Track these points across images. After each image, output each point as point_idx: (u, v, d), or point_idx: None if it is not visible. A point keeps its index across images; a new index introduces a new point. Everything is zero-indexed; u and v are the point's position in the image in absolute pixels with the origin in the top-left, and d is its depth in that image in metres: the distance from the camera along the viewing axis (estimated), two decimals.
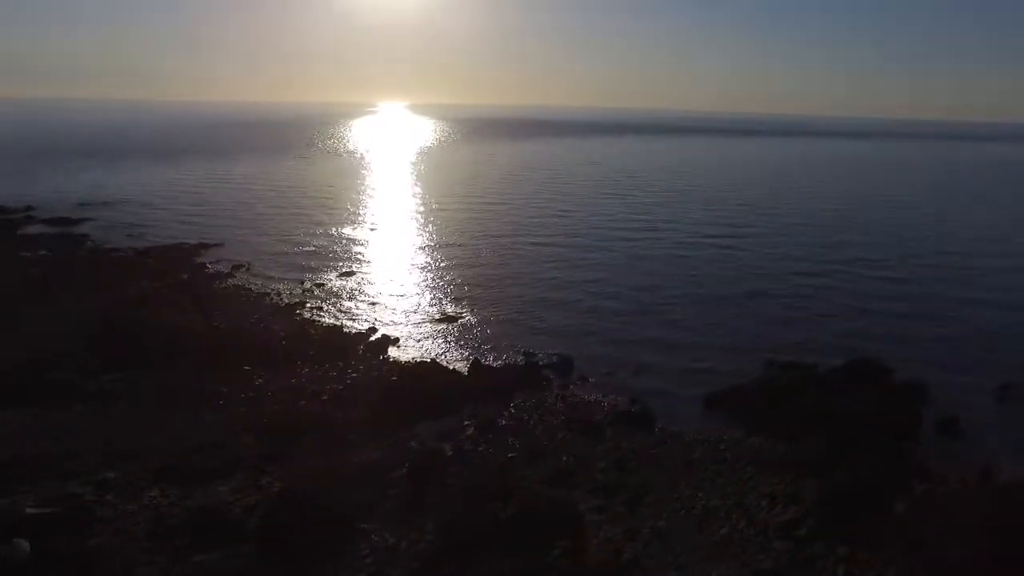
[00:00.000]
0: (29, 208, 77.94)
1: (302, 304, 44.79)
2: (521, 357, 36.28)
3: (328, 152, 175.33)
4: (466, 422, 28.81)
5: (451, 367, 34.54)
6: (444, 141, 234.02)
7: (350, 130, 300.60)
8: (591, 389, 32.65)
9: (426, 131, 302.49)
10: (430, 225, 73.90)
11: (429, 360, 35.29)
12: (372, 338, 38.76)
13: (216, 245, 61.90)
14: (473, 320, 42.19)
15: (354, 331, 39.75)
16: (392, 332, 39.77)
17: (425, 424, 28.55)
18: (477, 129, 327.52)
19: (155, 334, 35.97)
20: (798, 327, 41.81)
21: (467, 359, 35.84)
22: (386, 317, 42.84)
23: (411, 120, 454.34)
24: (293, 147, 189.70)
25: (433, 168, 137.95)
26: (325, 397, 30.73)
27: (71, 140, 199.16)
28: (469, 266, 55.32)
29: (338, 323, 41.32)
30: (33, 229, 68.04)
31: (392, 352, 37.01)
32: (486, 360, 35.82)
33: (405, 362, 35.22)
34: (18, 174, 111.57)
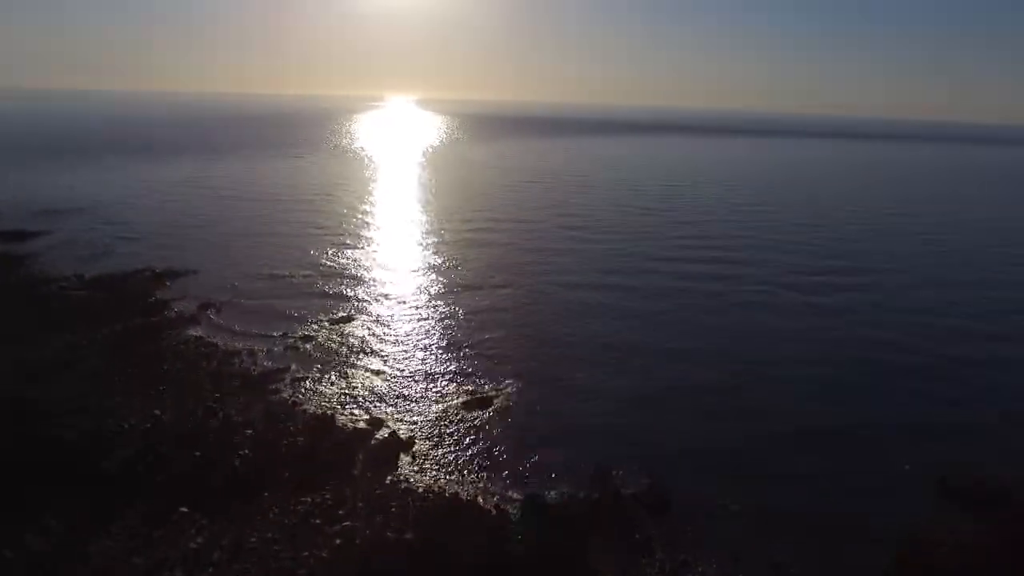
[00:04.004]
0: None
1: (281, 373, 33.25)
2: (593, 484, 24.70)
3: (329, 152, 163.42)
4: None
5: (494, 506, 23.00)
6: (454, 139, 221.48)
7: (353, 126, 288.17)
8: (705, 555, 21.08)
9: (434, 128, 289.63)
10: (442, 252, 61.95)
11: (461, 493, 23.73)
12: (374, 439, 27.27)
13: (186, 273, 50.37)
14: (515, 406, 30.60)
15: (350, 426, 28.21)
16: (404, 427, 28.34)
17: None
18: (490, 126, 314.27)
19: (30, 439, 24.49)
20: (971, 436, 29.86)
21: (517, 487, 24.31)
22: (394, 397, 31.29)
23: (418, 116, 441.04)
24: (292, 145, 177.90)
25: (444, 172, 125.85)
26: None
27: (55, 135, 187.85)
28: (494, 312, 43.63)
29: (328, 409, 29.74)
30: None
31: (404, 468, 25.43)
32: (545, 487, 24.30)
33: (423, 492, 23.60)
34: None
